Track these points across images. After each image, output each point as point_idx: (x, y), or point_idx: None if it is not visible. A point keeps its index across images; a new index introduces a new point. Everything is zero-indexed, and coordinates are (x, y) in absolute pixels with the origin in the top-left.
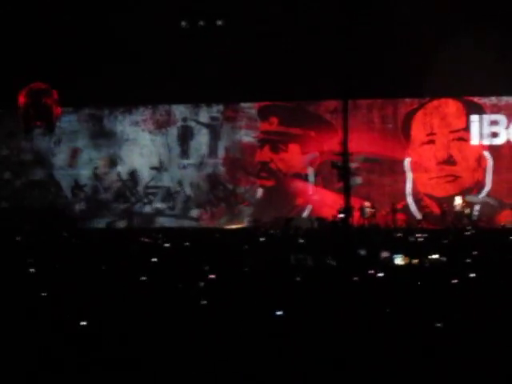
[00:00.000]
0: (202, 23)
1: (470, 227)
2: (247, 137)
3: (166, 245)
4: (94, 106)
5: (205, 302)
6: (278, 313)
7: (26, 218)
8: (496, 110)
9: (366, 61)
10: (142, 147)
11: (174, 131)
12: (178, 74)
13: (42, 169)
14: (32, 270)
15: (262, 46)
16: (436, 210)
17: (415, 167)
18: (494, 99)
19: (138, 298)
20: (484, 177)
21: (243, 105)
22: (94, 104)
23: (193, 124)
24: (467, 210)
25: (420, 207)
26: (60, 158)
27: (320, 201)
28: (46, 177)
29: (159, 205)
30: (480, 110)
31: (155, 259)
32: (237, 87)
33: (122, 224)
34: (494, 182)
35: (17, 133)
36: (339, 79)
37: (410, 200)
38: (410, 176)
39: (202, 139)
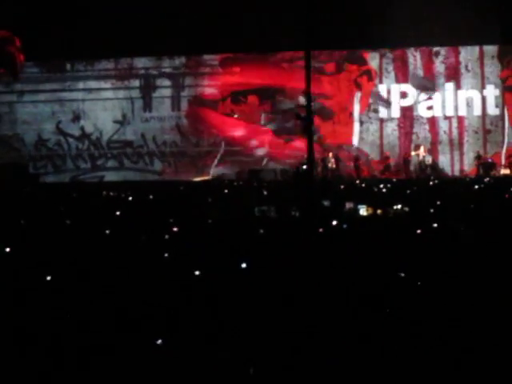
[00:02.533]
0: None
1: (432, 177)
2: (210, 89)
3: (130, 198)
4: (56, 59)
5: (166, 254)
6: (243, 265)
7: None
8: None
9: (328, 11)
10: (104, 101)
11: (136, 84)
12: (139, 26)
13: (4, 124)
14: None
15: None
16: (399, 160)
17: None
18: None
19: (102, 252)
20: None
21: (206, 57)
22: (56, 57)
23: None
24: (428, 159)
25: (383, 157)
26: (22, 112)
27: (278, 150)
28: (8, 132)
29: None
30: None
31: (119, 213)
32: (199, 39)
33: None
34: None
35: None
36: (301, 30)
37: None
38: None
39: (164, 92)
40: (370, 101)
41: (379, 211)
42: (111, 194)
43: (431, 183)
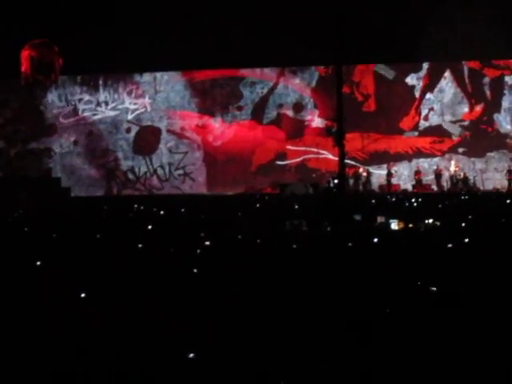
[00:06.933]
0: None
1: (464, 191)
2: None
3: (162, 212)
4: (91, 74)
5: (195, 270)
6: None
7: (21, 187)
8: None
9: (360, 26)
10: None
11: None
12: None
13: (37, 137)
14: (28, 239)
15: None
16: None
17: None
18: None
19: (134, 267)
20: None
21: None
22: (90, 72)
23: None
24: (459, 173)
25: (414, 172)
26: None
27: None
28: (40, 145)
29: None
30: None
31: (150, 227)
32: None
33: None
34: None
35: (11, 101)
36: (332, 44)
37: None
38: None
39: None
40: None
41: (410, 225)
42: (142, 207)
43: (462, 197)
